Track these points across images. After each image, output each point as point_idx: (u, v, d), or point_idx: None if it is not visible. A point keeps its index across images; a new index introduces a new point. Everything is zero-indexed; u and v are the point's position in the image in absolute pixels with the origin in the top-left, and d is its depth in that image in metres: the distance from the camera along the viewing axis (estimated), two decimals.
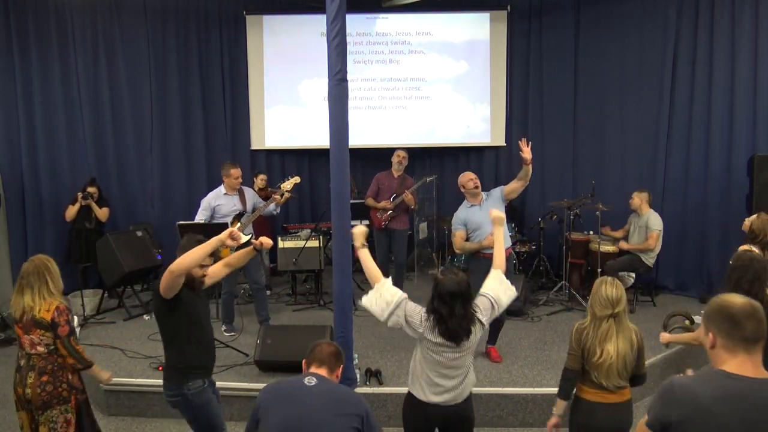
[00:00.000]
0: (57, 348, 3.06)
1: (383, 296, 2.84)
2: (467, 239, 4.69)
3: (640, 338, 2.82)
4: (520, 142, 4.62)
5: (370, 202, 6.14)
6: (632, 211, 6.15)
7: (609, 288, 2.77)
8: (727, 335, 1.75)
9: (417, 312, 2.79)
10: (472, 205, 4.73)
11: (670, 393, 1.78)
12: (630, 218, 6.24)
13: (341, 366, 2.52)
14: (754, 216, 4.39)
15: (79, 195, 6.36)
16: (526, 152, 4.55)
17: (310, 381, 2.34)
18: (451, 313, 2.69)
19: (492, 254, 4.54)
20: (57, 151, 6.89)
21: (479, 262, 4.54)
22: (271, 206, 5.44)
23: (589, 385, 2.82)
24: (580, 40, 7.31)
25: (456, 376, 2.78)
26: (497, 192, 4.82)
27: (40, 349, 3.06)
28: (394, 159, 6.13)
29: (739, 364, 1.73)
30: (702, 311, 3.33)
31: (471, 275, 4.29)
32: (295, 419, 2.24)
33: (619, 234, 6.31)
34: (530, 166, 4.64)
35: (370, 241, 5.95)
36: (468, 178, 4.77)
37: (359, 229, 3.04)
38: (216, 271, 3.28)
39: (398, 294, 2.84)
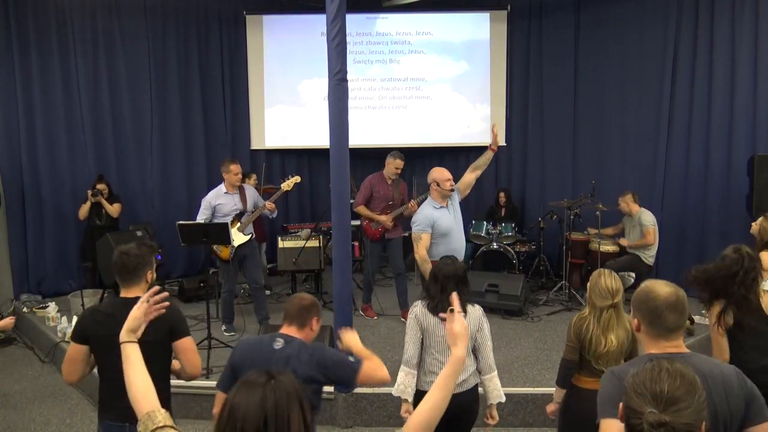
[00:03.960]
0: None
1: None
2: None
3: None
4: (493, 126, 4.53)
5: (363, 211, 5.67)
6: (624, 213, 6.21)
7: (608, 279, 2.87)
8: (649, 325, 1.88)
9: (414, 309, 2.94)
10: (440, 207, 4.35)
11: (617, 378, 1.88)
12: (623, 219, 6.26)
13: (314, 318, 2.48)
14: (761, 218, 4.29)
15: (89, 193, 6.37)
16: (498, 137, 4.44)
17: (277, 343, 2.36)
18: (441, 290, 2.82)
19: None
20: (57, 151, 6.88)
21: None
22: (266, 211, 5.43)
23: (586, 374, 2.89)
24: (580, 40, 7.31)
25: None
26: (455, 194, 4.46)
27: None
28: (393, 167, 5.65)
29: (660, 349, 1.88)
30: (702, 311, 3.34)
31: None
32: None
33: (611, 231, 6.34)
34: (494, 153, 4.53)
35: (365, 250, 5.92)
36: (446, 178, 4.35)
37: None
38: None
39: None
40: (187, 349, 2.56)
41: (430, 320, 2.86)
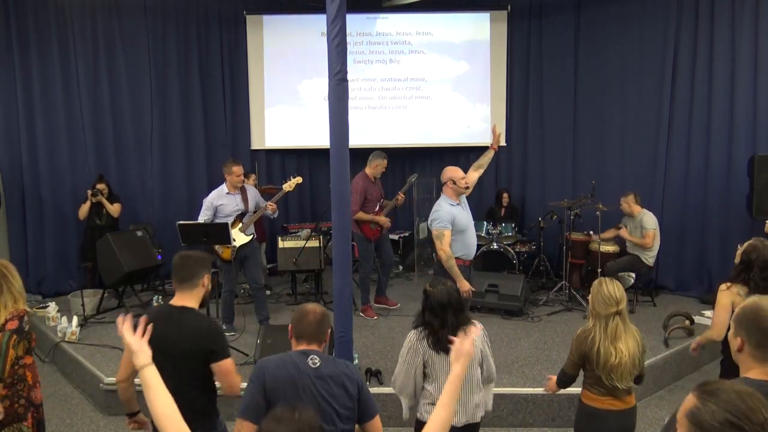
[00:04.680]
0: (21, 358, 2.88)
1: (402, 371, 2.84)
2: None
3: (641, 336, 2.83)
4: (494, 126, 4.74)
5: (364, 216, 5.74)
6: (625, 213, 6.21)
7: (610, 286, 2.74)
8: (757, 345, 1.70)
9: (411, 342, 2.80)
10: (456, 204, 4.38)
11: None
12: (623, 220, 6.25)
13: (329, 329, 2.42)
14: None
15: (89, 192, 6.37)
16: (499, 136, 4.69)
17: (314, 362, 2.24)
18: (443, 325, 2.69)
19: (470, 262, 4.40)
20: (57, 151, 6.88)
21: (462, 269, 4.30)
22: (267, 212, 5.44)
23: (597, 392, 2.76)
24: (580, 40, 7.31)
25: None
26: (463, 195, 4.56)
27: None
28: (381, 168, 5.86)
29: (763, 373, 1.69)
30: (702, 311, 3.35)
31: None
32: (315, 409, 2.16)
33: (609, 234, 6.33)
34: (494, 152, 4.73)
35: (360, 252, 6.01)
36: (462, 176, 4.38)
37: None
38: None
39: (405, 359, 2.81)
40: (227, 371, 2.49)
41: (432, 354, 2.73)
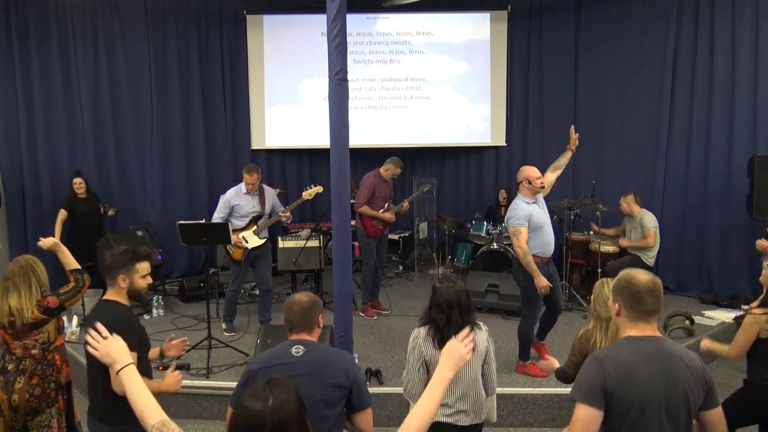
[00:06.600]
0: (52, 343, 3.05)
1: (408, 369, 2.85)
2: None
3: None
4: (572, 129, 4.73)
5: (368, 211, 5.80)
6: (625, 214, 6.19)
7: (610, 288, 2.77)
8: (630, 308, 2.04)
9: (416, 340, 2.80)
10: (532, 202, 4.44)
11: (600, 364, 1.96)
12: (624, 220, 6.25)
13: (318, 316, 2.43)
14: None
15: (110, 212, 6.60)
16: (575, 138, 4.66)
17: (297, 351, 2.32)
18: (448, 322, 2.69)
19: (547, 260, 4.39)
20: (57, 150, 6.88)
21: (539, 266, 4.30)
22: (282, 219, 5.43)
23: None
24: (580, 40, 7.31)
25: (465, 393, 2.73)
26: (540, 194, 4.59)
27: (35, 351, 2.97)
28: (390, 171, 5.89)
29: (639, 330, 2.03)
30: (702, 311, 3.36)
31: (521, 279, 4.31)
32: None
33: (612, 231, 6.33)
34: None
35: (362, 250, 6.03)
36: (537, 176, 4.43)
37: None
38: None
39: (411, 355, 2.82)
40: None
41: (434, 353, 2.71)
